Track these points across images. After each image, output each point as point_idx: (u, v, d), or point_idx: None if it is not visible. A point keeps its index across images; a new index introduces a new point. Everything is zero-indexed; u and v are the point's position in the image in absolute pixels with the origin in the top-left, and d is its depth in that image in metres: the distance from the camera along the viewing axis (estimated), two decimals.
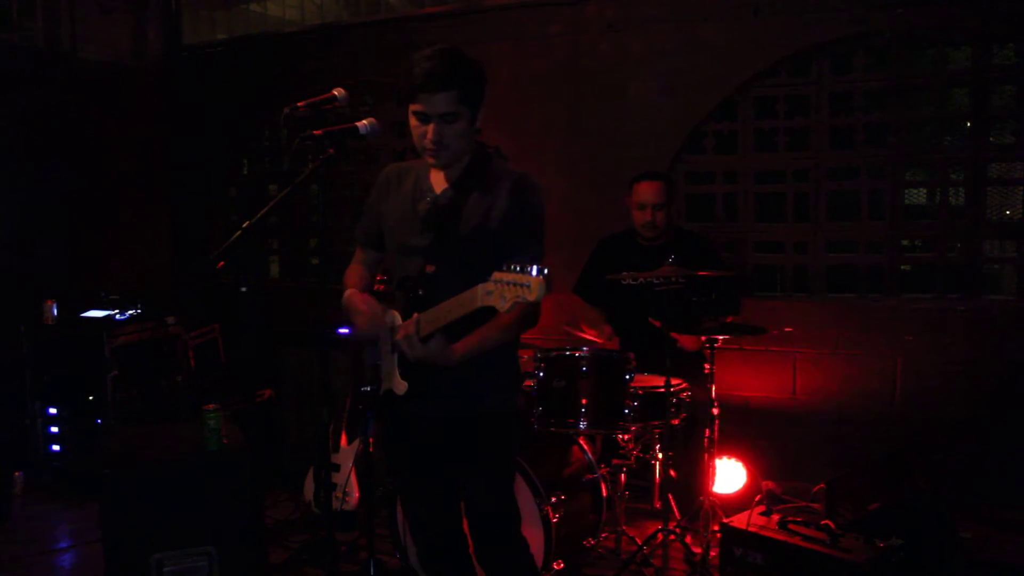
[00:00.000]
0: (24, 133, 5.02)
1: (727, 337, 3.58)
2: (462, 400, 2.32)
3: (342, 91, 2.63)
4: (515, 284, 1.86)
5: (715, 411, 3.52)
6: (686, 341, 3.87)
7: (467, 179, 2.32)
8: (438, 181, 2.37)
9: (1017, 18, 3.93)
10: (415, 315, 2.15)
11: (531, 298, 1.84)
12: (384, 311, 2.32)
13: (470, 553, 2.51)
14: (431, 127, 2.21)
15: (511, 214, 2.26)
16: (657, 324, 3.47)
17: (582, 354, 3.39)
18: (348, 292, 2.46)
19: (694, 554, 3.45)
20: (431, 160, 2.30)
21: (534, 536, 3.04)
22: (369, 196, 2.56)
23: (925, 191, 4.67)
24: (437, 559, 2.55)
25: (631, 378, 3.40)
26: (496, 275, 1.89)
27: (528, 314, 2.25)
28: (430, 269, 2.28)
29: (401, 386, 2.28)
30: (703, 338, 3.59)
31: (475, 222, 2.26)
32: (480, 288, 1.93)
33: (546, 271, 1.85)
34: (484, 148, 2.40)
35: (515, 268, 1.87)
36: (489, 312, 1.97)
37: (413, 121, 2.25)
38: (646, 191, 3.93)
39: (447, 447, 2.38)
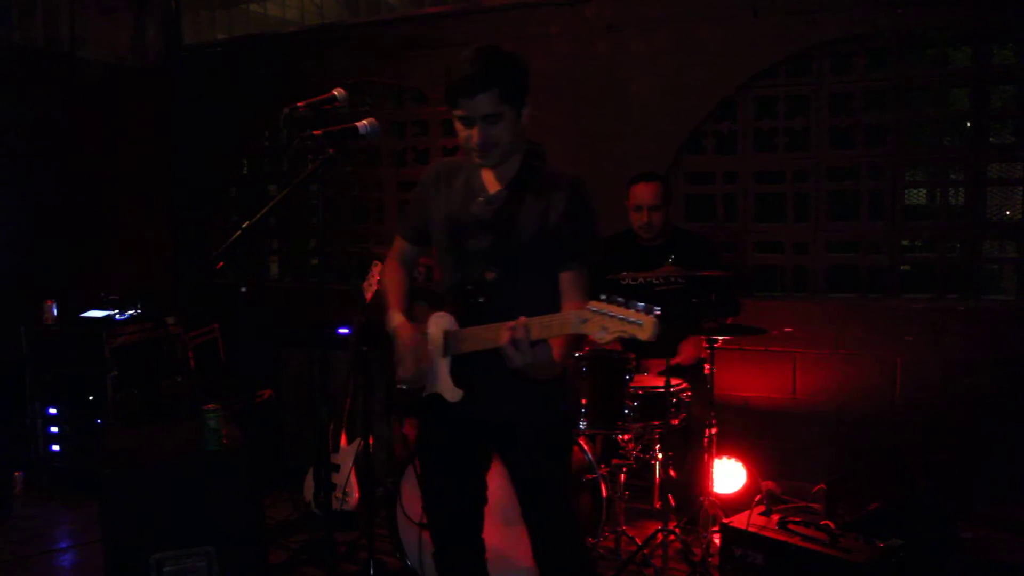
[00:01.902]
0: (24, 133, 5.02)
1: (727, 337, 3.58)
2: (517, 408, 2.27)
3: (342, 91, 2.63)
4: (622, 319, 1.82)
5: (714, 412, 3.52)
6: (684, 358, 3.86)
7: (521, 180, 2.28)
8: (490, 181, 2.31)
9: (1017, 18, 3.93)
10: (522, 319, 2.03)
11: (643, 337, 1.80)
12: (423, 336, 2.27)
13: (485, 558, 2.50)
14: (475, 130, 2.18)
15: (568, 220, 2.22)
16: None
17: (582, 354, 3.39)
18: (395, 321, 2.37)
19: (694, 554, 3.45)
20: (479, 160, 2.26)
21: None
22: (414, 190, 2.51)
23: (925, 191, 4.68)
24: (454, 562, 2.51)
25: (631, 378, 3.41)
26: (596, 304, 1.85)
27: None
28: (490, 275, 2.23)
29: (455, 393, 2.22)
30: (704, 344, 3.58)
31: (534, 226, 2.22)
32: (574, 315, 1.90)
33: (658, 311, 1.81)
34: (535, 147, 2.36)
35: (619, 301, 1.83)
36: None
37: (458, 125, 2.22)
38: (641, 193, 3.92)
39: (502, 452, 2.36)
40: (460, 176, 2.37)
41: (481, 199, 2.30)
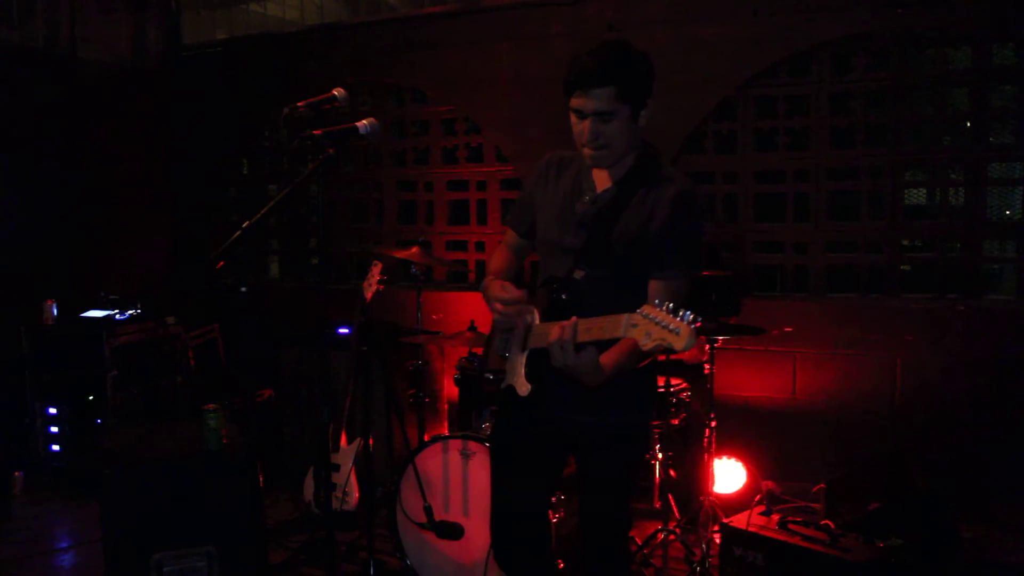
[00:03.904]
0: (24, 133, 5.02)
1: (727, 337, 3.58)
2: (587, 413, 2.22)
3: (342, 91, 2.64)
4: (663, 326, 1.73)
5: (714, 412, 3.52)
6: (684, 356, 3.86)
7: (630, 181, 2.20)
8: (600, 179, 2.25)
9: (1017, 18, 3.93)
10: (574, 319, 1.96)
11: (678, 347, 1.70)
12: (524, 303, 2.20)
13: (554, 563, 2.49)
14: (587, 124, 2.12)
15: (670, 227, 2.13)
16: None
17: None
18: (487, 279, 2.33)
19: (694, 554, 3.45)
20: (589, 160, 2.21)
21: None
22: (526, 181, 2.46)
23: (925, 191, 4.67)
24: (516, 559, 2.46)
25: None
26: (646, 309, 1.76)
27: None
28: (579, 274, 2.18)
29: (525, 387, 2.18)
30: (706, 347, 3.58)
31: (633, 230, 2.15)
32: (625, 318, 1.81)
33: (699, 321, 1.72)
34: (650, 148, 2.26)
35: (668, 308, 1.74)
36: None
37: (572, 118, 2.17)
38: None
39: (567, 454, 2.33)
40: (571, 170, 2.32)
41: (587, 198, 2.25)
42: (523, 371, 2.19)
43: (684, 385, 3.59)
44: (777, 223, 4.50)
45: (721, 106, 4.48)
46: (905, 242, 4.33)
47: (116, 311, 4.65)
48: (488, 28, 4.91)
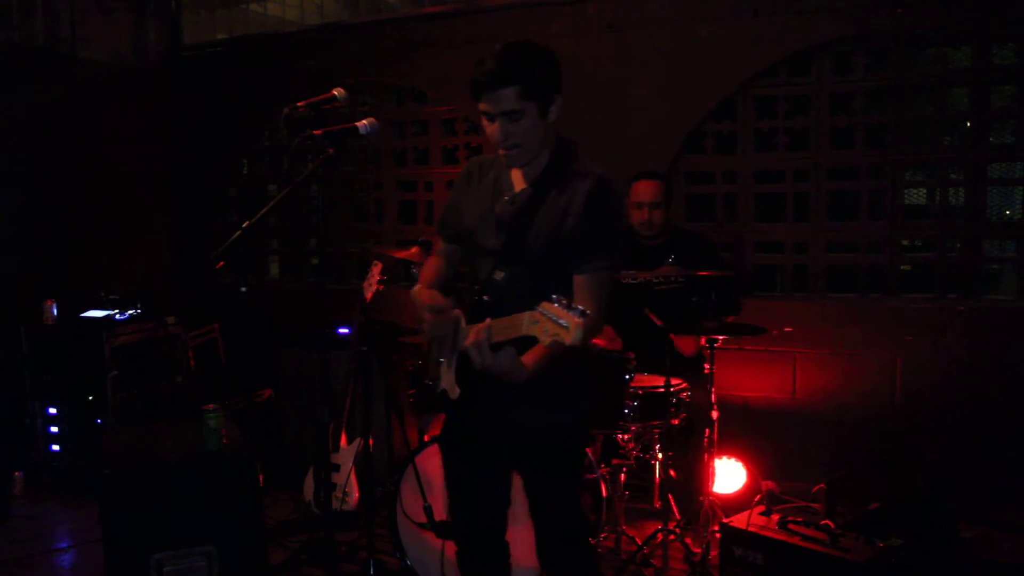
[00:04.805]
0: (24, 133, 5.02)
1: (727, 337, 3.58)
2: (518, 412, 2.23)
3: (342, 91, 2.64)
4: (555, 321, 1.76)
5: (715, 411, 3.52)
6: (684, 346, 3.87)
7: (546, 179, 2.23)
8: (518, 179, 2.29)
9: (1017, 18, 3.93)
10: (488, 320, 2.00)
11: (567, 341, 1.74)
12: (450, 309, 2.23)
13: (509, 563, 2.49)
14: (496, 125, 2.16)
15: (587, 222, 2.16)
16: (657, 321, 3.46)
17: None
18: (415, 288, 2.36)
19: (694, 554, 3.45)
20: (504, 161, 2.24)
21: (534, 536, 3.03)
22: (452, 187, 2.49)
23: (925, 191, 4.67)
24: (476, 562, 2.49)
25: (631, 378, 3.40)
26: (544, 305, 1.79)
27: (590, 326, 2.10)
28: (499, 275, 2.21)
29: (455, 391, 2.21)
30: (703, 341, 3.59)
31: (550, 228, 2.18)
32: (527, 316, 1.84)
33: (588, 313, 1.76)
34: (567, 144, 2.29)
35: (563, 303, 1.77)
36: None
37: (483, 121, 2.20)
38: (643, 190, 3.93)
39: (508, 455, 2.34)
40: (492, 172, 2.35)
41: (506, 198, 2.28)
42: (453, 375, 2.22)
43: (684, 385, 3.59)
44: (777, 223, 4.50)
45: (721, 106, 4.48)
46: (905, 242, 4.33)
47: (116, 311, 4.65)
48: (488, 28, 4.91)
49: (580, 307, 1.76)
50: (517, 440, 2.29)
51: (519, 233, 2.21)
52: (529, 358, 2.04)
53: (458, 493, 2.47)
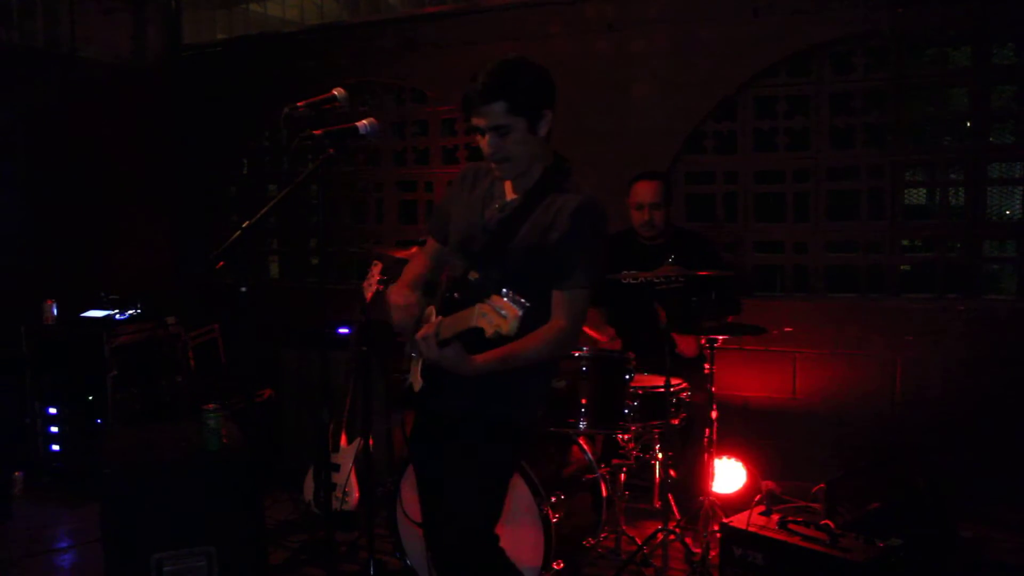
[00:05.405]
0: (24, 133, 5.02)
1: (727, 337, 3.58)
2: (474, 401, 2.29)
3: (342, 91, 2.64)
4: (497, 311, 1.84)
5: (714, 411, 3.52)
6: (685, 347, 3.87)
7: (536, 192, 2.29)
8: (510, 190, 2.35)
9: (1017, 18, 3.93)
10: (439, 317, 2.13)
11: (504, 330, 1.84)
12: (418, 306, 2.31)
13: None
14: (486, 140, 2.22)
15: (569, 239, 2.21)
16: (661, 314, 3.44)
17: (582, 354, 3.39)
18: (390, 287, 2.44)
19: (694, 554, 3.45)
20: (496, 173, 2.30)
21: (533, 536, 3.04)
22: (447, 189, 2.55)
23: (925, 191, 4.67)
24: (446, 557, 2.47)
25: (631, 378, 3.40)
26: (493, 298, 1.88)
27: (562, 340, 2.23)
28: (473, 276, 2.28)
29: (418, 383, 2.28)
30: (703, 340, 3.58)
31: (533, 239, 2.24)
32: (477, 308, 1.92)
33: (528, 305, 1.85)
34: (562, 162, 2.35)
35: (510, 296, 1.86)
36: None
37: (477, 135, 2.26)
38: (643, 191, 3.93)
39: (454, 444, 2.36)
40: (486, 180, 2.41)
41: (497, 205, 2.33)
42: (419, 369, 2.30)
43: (684, 385, 3.59)
44: (777, 223, 4.50)
45: (721, 106, 4.48)
46: (905, 242, 4.33)
47: (116, 311, 4.65)
48: (488, 28, 4.91)
49: (523, 300, 1.84)
50: (456, 423, 2.33)
51: (502, 239, 2.27)
52: (480, 357, 2.15)
53: (424, 493, 2.52)
